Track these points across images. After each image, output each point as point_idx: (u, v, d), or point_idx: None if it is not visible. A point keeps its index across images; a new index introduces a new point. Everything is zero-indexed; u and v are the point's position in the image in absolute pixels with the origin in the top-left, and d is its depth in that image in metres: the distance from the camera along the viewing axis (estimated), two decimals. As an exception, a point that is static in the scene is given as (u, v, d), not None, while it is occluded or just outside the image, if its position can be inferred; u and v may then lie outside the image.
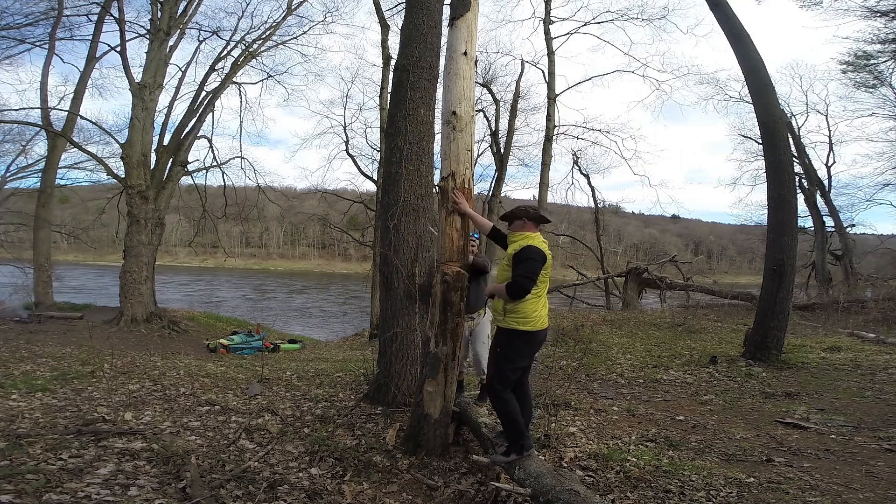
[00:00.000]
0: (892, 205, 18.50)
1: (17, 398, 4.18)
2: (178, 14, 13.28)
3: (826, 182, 19.02)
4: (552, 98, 17.12)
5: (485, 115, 19.03)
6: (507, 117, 18.62)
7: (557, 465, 3.21)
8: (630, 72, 17.55)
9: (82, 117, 14.21)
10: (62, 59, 15.51)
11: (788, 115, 18.54)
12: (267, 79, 16.84)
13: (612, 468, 3.17)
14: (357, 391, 5.03)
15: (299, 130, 42.90)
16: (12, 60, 14.82)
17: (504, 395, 2.92)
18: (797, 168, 17.15)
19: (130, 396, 4.59)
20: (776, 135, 7.14)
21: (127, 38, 12.86)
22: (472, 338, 3.91)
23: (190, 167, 14.37)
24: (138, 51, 21.70)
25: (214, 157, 15.60)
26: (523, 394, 3.09)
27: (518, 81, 18.24)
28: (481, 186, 20.42)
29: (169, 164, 13.25)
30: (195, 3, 13.84)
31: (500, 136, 18.86)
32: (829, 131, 19.23)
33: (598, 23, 17.05)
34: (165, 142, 13.48)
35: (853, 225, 19.16)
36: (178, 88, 14.70)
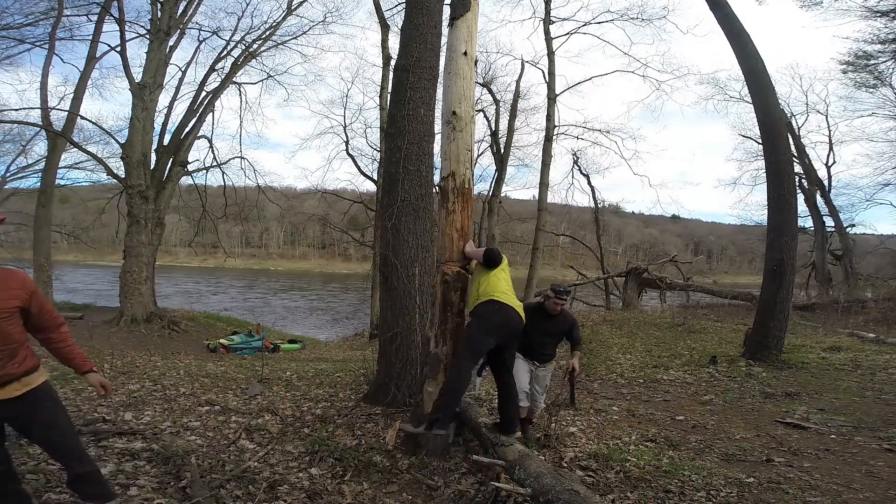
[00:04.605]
0: (892, 205, 18.53)
1: (17, 398, 4.17)
2: (178, 14, 13.27)
3: (826, 182, 19.03)
4: (552, 98, 17.10)
5: (485, 115, 19.03)
6: (507, 117, 18.60)
7: (557, 465, 3.22)
8: (630, 72, 17.52)
9: (82, 117, 14.18)
10: (62, 59, 15.45)
11: (788, 115, 18.54)
12: (267, 79, 16.81)
13: (612, 468, 3.17)
14: (357, 391, 5.03)
15: (299, 132, 43.17)
16: (12, 60, 14.78)
17: (465, 366, 3.03)
18: (797, 168, 17.14)
19: (130, 396, 4.59)
20: (776, 135, 7.14)
21: (127, 38, 12.84)
22: (534, 380, 3.73)
23: (190, 167, 14.37)
24: (138, 51, 21.63)
25: (214, 157, 15.58)
26: (505, 384, 3.26)
27: (518, 81, 18.23)
28: (481, 186, 20.44)
29: (169, 164, 13.24)
30: (195, 3, 13.83)
31: (500, 136, 18.86)
32: (829, 131, 19.25)
33: (598, 23, 16.99)
34: (165, 142, 13.47)
35: (853, 225, 19.18)
36: (178, 88, 14.69)
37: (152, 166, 12.70)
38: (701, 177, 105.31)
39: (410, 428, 3.22)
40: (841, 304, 13.05)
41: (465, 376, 3.04)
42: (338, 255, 70.78)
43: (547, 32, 17.11)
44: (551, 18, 17.13)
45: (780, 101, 9.46)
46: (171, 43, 13.20)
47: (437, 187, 3.63)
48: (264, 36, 15.51)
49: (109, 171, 12.94)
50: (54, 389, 2.15)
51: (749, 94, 7.74)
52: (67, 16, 14.49)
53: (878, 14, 12.98)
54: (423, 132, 4.36)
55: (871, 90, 16.42)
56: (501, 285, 3.16)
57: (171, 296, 25.55)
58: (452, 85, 3.42)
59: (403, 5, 5.44)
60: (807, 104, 19.32)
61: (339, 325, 21.13)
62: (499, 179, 18.65)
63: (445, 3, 4.48)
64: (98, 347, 7.71)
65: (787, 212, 6.95)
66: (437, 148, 4.31)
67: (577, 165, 19.28)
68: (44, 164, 14.87)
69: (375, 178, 16.53)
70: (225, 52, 15.12)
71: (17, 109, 13.72)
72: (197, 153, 21.42)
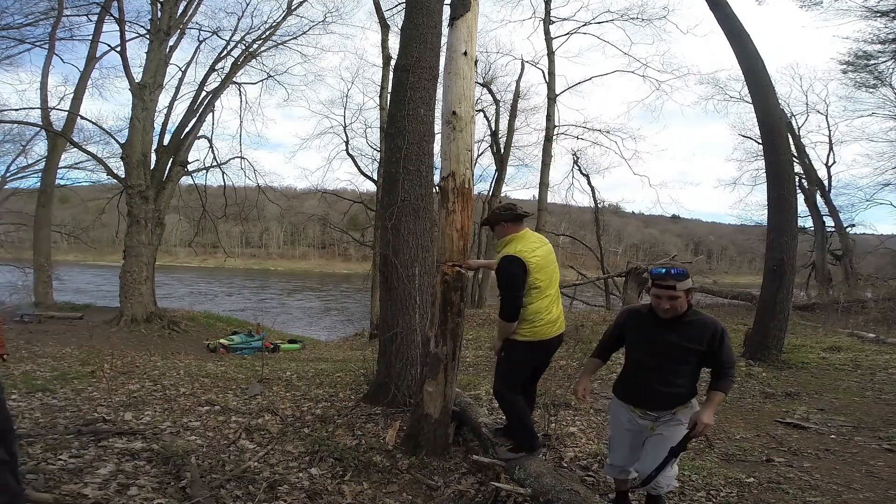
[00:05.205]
0: (892, 205, 18.56)
1: (17, 398, 4.17)
2: (178, 14, 13.28)
3: (826, 182, 19.05)
4: (552, 98, 17.13)
5: (485, 115, 19.05)
6: (507, 117, 18.65)
7: (557, 465, 3.21)
8: (630, 72, 17.55)
9: (82, 117, 14.23)
10: (62, 59, 15.49)
11: (788, 115, 18.54)
12: (267, 79, 16.85)
13: (612, 468, 3.17)
14: (357, 391, 5.03)
15: (299, 132, 43.43)
16: (12, 60, 14.85)
17: (509, 397, 2.90)
18: (797, 168, 17.14)
19: (130, 396, 4.59)
20: (776, 135, 7.14)
21: (127, 38, 12.88)
22: (651, 444, 2.35)
23: (190, 167, 14.40)
24: (138, 51, 21.54)
25: (214, 157, 15.61)
26: (529, 396, 3.10)
27: (518, 81, 18.29)
28: (481, 186, 20.44)
29: (169, 164, 13.25)
30: (195, 3, 13.85)
31: (500, 136, 18.88)
32: (829, 131, 19.27)
33: (598, 23, 17.06)
34: (165, 142, 13.49)
35: (853, 225, 19.21)
36: (178, 88, 14.72)
37: (152, 166, 12.71)
38: (701, 177, 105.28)
39: (484, 458, 3.02)
40: (841, 304, 13.05)
41: (517, 404, 2.89)
42: (338, 255, 70.74)
43: (547, 32, 17.14)
44: (551, 18, 17.16)
45: (780, 101, 9.46)
46: (171, 43, 13.22)
47: (437, 187, 3.62)
48: (264, 36, 15.54)
49: (109, 171, 12.96)
50: None
51: (749, 94, 7.73)
52: (67, 16, 14.58)
53: (878, 14, 12.99)
54: (423, 132, 4.36)
55: (871, 90, 16.46)
56: (539, 300, 2.75)
57: (184, 297, 25.59)
58: (452, 85, 3.41)
59: (403, 5, 5.45)
60: (807, 104, 19.35)
61: (340, 325, 21.11)
62: (499, 179, 18.67)
63: (445, 3, 4.48)
64: (98, 347, 7.72)
65: (787, 212, 6.96)
66: (437, 148, 4.31)
67: (577, 165, 19.30)
68: (44, 164, 14.94)
69: (375, 178, 16.53)
70: (225, 52, 15.16)
71: (17, 109, 13.80)
72: (197, 153, 21.29)
